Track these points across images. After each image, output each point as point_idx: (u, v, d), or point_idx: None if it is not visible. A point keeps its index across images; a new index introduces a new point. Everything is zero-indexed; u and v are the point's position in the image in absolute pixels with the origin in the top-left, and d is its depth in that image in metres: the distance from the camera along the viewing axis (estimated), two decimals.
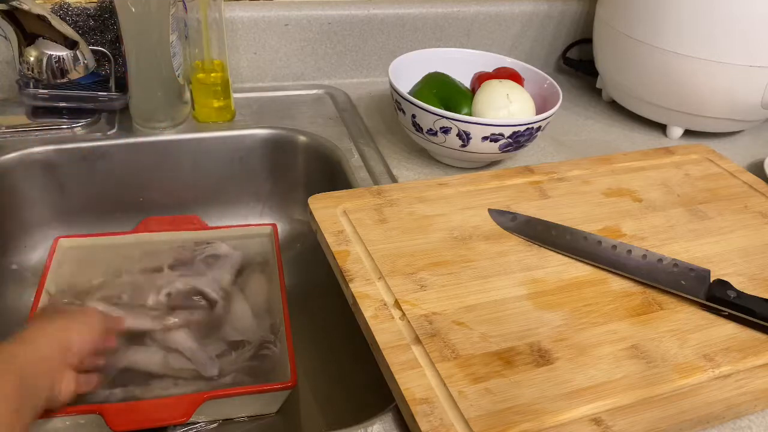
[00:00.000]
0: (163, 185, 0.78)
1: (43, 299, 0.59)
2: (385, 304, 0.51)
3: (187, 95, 0.78)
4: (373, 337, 0.48)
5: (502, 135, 0.67)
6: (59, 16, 0.73)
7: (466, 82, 0.77)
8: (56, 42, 0.66)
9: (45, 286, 0.60)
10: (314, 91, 0.90)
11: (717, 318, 0.54)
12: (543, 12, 0.99)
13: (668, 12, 0.78)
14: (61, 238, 0.67)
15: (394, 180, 0.72)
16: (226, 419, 0.56)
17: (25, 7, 0.64)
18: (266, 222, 0.85)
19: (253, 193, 0.83)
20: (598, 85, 0.98)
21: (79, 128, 0.74)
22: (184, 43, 0.74)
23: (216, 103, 0.78)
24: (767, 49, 0.76)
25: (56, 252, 0.65)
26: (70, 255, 0.66)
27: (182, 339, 0.58)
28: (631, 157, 0.76)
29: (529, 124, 0.68)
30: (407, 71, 0.76)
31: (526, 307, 0.52)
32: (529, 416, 0.43)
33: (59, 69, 0.66)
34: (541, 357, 0.48)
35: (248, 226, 0.71)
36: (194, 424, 0.55)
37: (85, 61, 0.68)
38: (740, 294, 0.53)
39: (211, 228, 0.71)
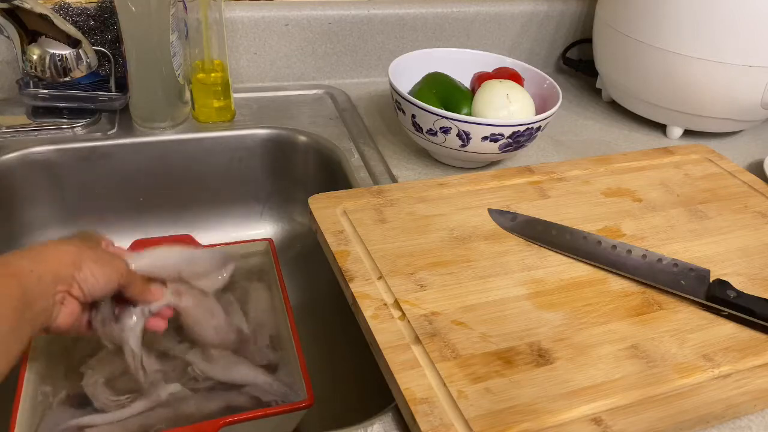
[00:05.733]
0: (162, 185, 0.78)
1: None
2: (385, 304, 0.51)
3: (187, 95, 0.78)
4: (373, 336, 0.48)
5: (501, 135, 0.68)
6: (59, 15, 0.73)
7: (466, 82, 0.77)
8: (59, 40, 0.66)
9: None
10: (314, 91, 0.90)
11: (717, 318, 0.54)
12: (543, 12, 0.99)
13: (668, 12, 0.78)
14: None
15: (394, 180, 0.72)
16: None
17: (27, 5, 0.64)
18: (265, 226, 0.84)
19: (253, 194, 0.83)
20: (598, 85, 0.98)
21: (79, 128, 0.74)
22: (184, 43, 0.74)
23: (216, 103, 0.78)
24: (767, 49, 0.76)
25: None
26: None
27: (245, 372, 0.55)
28: (631, 157, 0.76)
29: (529, 124, 0.68)
30: (407, 71, 0.76)
31: (526, 307, 0.53)
32: (529, 416, 0.43)
33: (62, 67, 0.66)
34: (541, 357, 0.48)
35: (243, 242, 0.69)
36: None
37: (88, 60, 0.68)
38: (740, 294, 0.53)
39: (205, 247, 0.67)
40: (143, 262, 0.52)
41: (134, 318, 0.49)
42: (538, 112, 0.73)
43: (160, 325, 0.52)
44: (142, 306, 0.50)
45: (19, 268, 0.41)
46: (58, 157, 0.72)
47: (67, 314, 0.44)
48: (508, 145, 0.69)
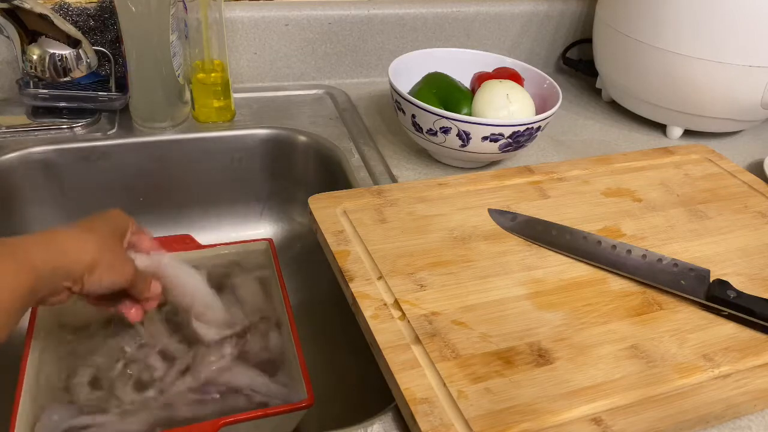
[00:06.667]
0: (162, 185, 0.78)
1: (38, 326, 0.56)
2: (384, 304, 0.51)
3: (187, 95, 0.78)
4: (373, 336, 0.48)
5: (501, 135, 0.68)
6: (59, 15, 0.73)
7: (466, 82, 0.77)
8: (59, 41, 0.66)
9: (37, 316, 0.56)
10: (314, 91, 0.90)
11: (717, 318, 0.54)
12: (543, 12, 0.99)
13: (668, 12, 0.78)
14: None
15: (394, 180, 0.72)
16: None
17: (27, 5, 0.64)
18: (265, 226, 0.84)
19: (253, 194, 0.83)
20: (598, 85, 0.98)
21: (79, 128, 0.74)
22: (184, 43, 0.74)
23: (216, 103, 0.78)
24: (767, 49, 0.76)
25: None
26: None
27: (245, 372, 0.55)
28: (631, 157, 0.76)
29: (528, 124, 0.68)
30: (407, 71, 0.76)
31: (525, 307, 0.53)
32: (529, 416, 0.43)
33: (62, 67, 0.66)
34: (541, 357, 0.48)
35: (243, 242, 0.70)
36: None
37: (88, 60, 0.68)
38: (740, 294, 0.53)
39: (205, 246, 0.67)
40: (170, 269, 0.53)
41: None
42: (538, 112, 0.73)
43: (136, 315, 0.52)
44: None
45: (38, 260, 0.41)
46: (58, 157, 0.72)
47: (56, 300, 0.45)
48: (508, 145, 0.69)
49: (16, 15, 0.64)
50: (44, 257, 0.42)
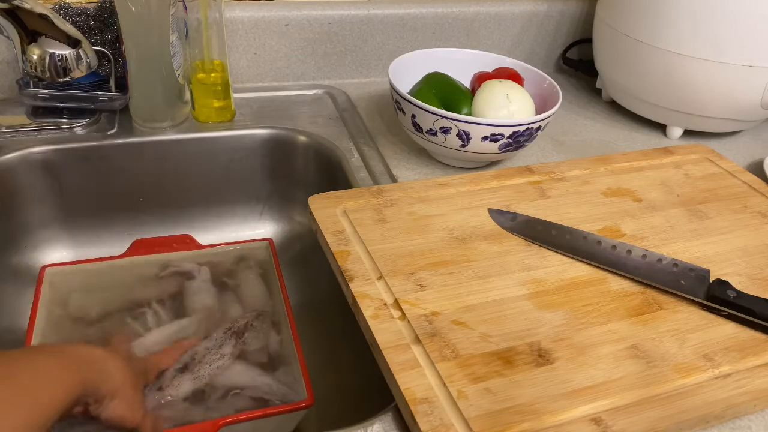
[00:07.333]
0: (162, 185, 0.78)
1: (38, 324, 0.56)
2: (384, 304, 0.51)
3: (187, 95, 0.78)
4: (373, 336, 0.48)
5: (501, 135, 0.68)
6: (59, 15, 0.73)
7: (466, 82, 0.77)
8: (59, 41, 0.66)
9: (37, 319, 0.57)
10: (314, 91, 0.90)
11: (717, 318, 0.54)
12: (543, 12, 0.99)
13: (668, 12, 0.78)
14: (48, 267, 0.63)
15: (394, 180, 0.72)
16: None
17: (27, 6, 0.64)
18: (265, 226, 0.84)
19: (252, 193, 0.83)
20: (598, 85, 0.98)
21: (79, 128, 0.74)
22: (184, 43, 0.74)
23: (216, 103, 0.78)
24: (767, 49, 0.76)
25: (44, 282, 0.61)
26: (59, 284, 0.62)
27: (245, 373, 0.55)
28: (631, 157, 0.76)
29: (528, 124, 0.68)
30: (407, 71, 0.76)
31: (526, 307, 0.53)
32: (528, 416, 0.43)
33: (62, 67, 0.66)
34: (541, 357, 0.48)
35: (243, 242, 0.69)
36: None
37: (88, 60, 0.68)
38: (740, 294, 0.53)
39: (205, 246, 0.68)
40: None
41: None
42: (538, 112, 0.73)
43: None
44: None
45: (88, 379, 0.43)
46: (58, 157, 0.72)
47: (73, 412, 0.46)
48: (508, 145, 0.69)
49: (16, 15, 0.64)
50: (93, 378, 0.44)
